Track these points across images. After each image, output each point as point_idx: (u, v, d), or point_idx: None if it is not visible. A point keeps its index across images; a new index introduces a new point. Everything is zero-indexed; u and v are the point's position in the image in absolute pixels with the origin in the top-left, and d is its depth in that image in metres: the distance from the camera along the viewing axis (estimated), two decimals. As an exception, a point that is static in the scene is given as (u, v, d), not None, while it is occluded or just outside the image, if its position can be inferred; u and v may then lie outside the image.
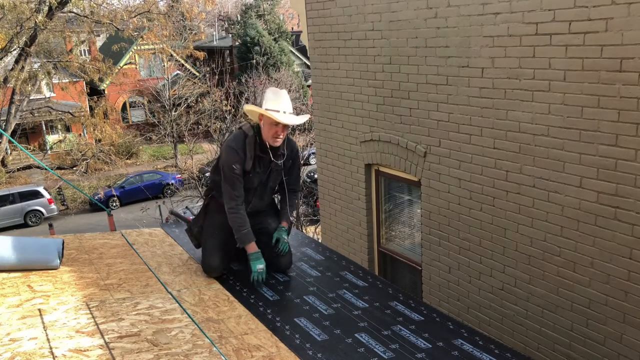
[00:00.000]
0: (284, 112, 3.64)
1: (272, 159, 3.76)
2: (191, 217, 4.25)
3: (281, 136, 3.68)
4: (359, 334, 3.10)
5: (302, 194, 17.56)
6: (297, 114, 3.89)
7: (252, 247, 3.70)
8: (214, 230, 3.83)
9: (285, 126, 3.68)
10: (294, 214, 4.18)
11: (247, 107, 3.75)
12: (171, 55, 27.28)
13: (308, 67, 25.10)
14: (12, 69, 17.55)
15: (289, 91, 26.16)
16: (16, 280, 3.44)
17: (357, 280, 3.88)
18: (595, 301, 4.06)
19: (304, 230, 14.89)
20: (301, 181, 4.42)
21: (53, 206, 22.94)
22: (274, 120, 3.60)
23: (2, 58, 17.64)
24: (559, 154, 4.11)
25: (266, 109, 3.62)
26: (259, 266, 3.66)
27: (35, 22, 16.13)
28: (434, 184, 5.27)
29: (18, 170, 21.65)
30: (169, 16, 20.86)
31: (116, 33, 20.28)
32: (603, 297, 4.00)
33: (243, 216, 3.71)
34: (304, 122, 4.02)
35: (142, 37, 22.12)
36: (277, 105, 3.64)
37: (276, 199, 4.20)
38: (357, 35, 5.89)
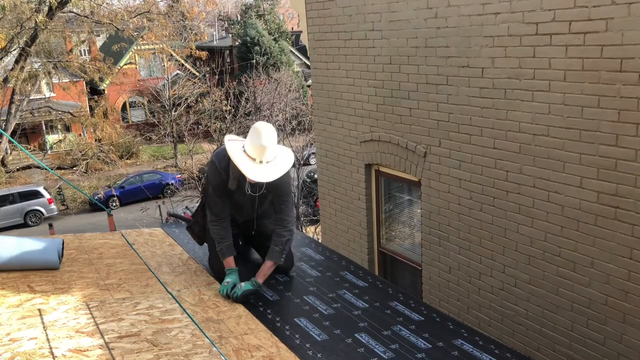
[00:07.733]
0: (261, 162, 3.22)
1: (248, 190, 3.48)
2: (190, 215, 4.23)
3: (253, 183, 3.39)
4: (359, 334, 3.10)
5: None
6: (278, 145, 3.38)
7: (228, 263, 3.56)
8: None
9: None
10: (282, 256, 3.59)
11: (226, 141, 3.38)
12: (171, 55, 27.28)
13: (308, 67, 25.04)
14: (12, 69, 17.55)
15: (289, 91, 26.08)
16: (16, 280, 3.44)
17: (357, 280, 3.88)
18: (595, 301, 4.06)
19: (304, 230, 14.89)
20: (293, 214, 3.75)
21: (53, 206, 22.94)
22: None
23: (2, 58, 17.64)
24: (559, 154, 4.11)
25: (243, 150, 3.25)
26: (226, 279, 3.49)
27: (36, 22, 16.13)
28: (434, 184, 5.27)
29: (18, 170, 21.65)
30: (169, 16, 20.84)
31: (116, 33, 20.27)
32: (603, 297, 4.00)
33: (225, 229, 3.60)
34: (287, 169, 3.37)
35: (142, 37, 22.11)
36: (255, 152, 3.21)
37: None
38: (357, 35, 5.89)
